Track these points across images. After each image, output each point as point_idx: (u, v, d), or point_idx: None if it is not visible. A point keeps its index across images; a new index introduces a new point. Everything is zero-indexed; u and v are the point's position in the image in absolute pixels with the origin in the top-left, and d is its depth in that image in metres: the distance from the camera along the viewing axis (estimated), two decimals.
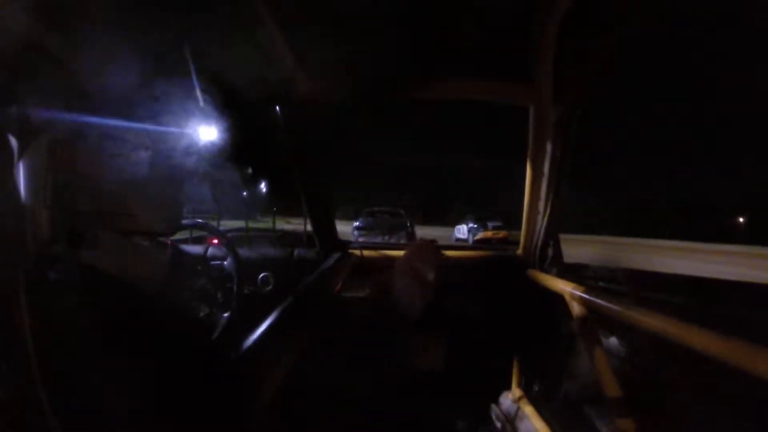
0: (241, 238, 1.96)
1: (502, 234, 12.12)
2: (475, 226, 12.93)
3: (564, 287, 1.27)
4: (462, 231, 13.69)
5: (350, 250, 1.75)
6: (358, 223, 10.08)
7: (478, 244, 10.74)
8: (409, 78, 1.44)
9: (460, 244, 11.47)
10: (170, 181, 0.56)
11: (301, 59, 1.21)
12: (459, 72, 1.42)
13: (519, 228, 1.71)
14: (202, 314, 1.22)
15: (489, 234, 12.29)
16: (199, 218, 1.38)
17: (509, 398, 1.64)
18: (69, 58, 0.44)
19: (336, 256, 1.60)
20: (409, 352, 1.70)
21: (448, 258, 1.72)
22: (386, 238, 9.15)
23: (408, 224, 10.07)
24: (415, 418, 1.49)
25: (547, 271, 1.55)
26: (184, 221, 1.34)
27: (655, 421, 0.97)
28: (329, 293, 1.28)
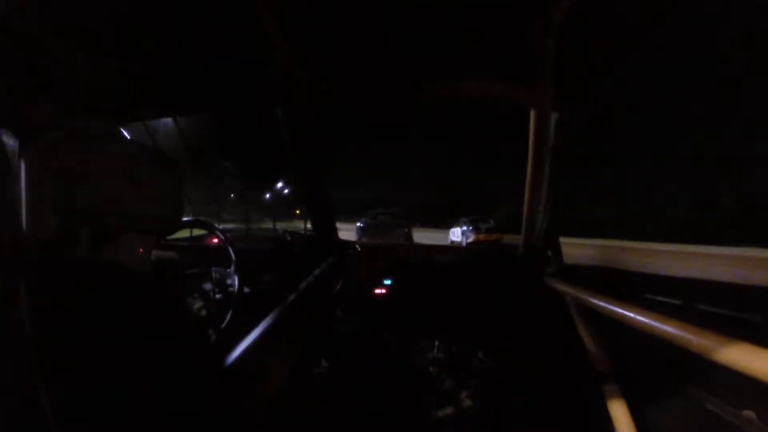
0: (241, 237, 1.96)
1: (494, 236, 11.95)
2: (468, 228, 12.86)
3: (564, 287, 1.27)
4: (456, 234, 13.68)
5: (350, 250, 1.75)
6: (360, 224, 10.81)
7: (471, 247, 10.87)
8: (409, 78, 1.44)
9: (459, 246, 11.55)
10: (170, 181, 0.56)
11: (301, 59, 1.21)
12: (459, 73, 1.42)
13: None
14: (202, 314, 1.22)
15: (481, 237, 12.14)
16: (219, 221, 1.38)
17: (509, 397, 1.64)
18: (69, 58, 0.44)
19: (336, 256, 1.60)
20: (409, 352, 1.70)
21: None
22: (386, 237, 9.93)
23: (406, 226, 10.84)
24: (414, 418, 1.49)
25: (546, 272, 1.55)
26: (184, 220, 1.34)
27: (654, 419, 0.97)
28: (329, 293, 1.28)
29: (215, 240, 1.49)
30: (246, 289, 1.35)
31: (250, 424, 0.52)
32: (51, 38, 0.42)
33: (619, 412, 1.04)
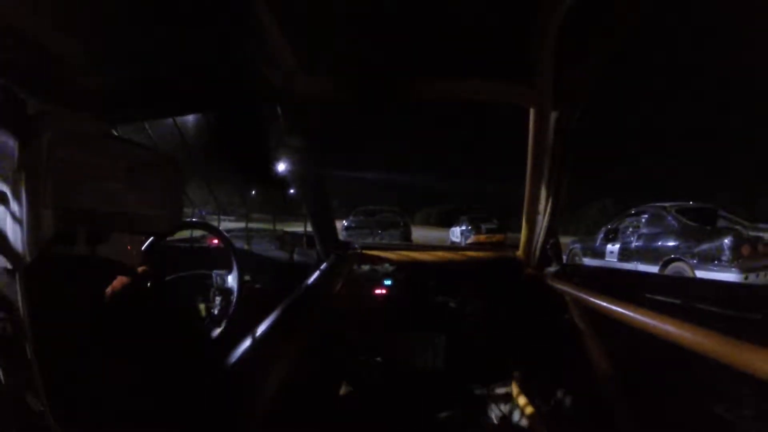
0: (241, 237, 1.96)
1: (497, 238, 10.95)
2: (468, 228, 12.01)
3: (564, 287, 1.27)
4: (456, 234, 12.86)
5: (350, 250, 1.75)
6: (347, 223, 9.26)
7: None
8: (409, 78, 1.44)
9: (460, 245, 11.27)
10: (170, 181, 0.56)
11: (301, 59, 1.21)
12: (459, 72, 1.42)
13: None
14: (203, 316, 1.22)
15: (482, 238, 11.21)
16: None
17: (509, 398, 1.64)
18: (69, 57, 0.44)
19: (336, 256, 1.61)
20: (409, 352, 1.70)
21: None
22: (377, 237, 8.64)
23: (402, 224, 9.55)
24: (415, 418, 1.49)
25: (547, 272, 1.55)
26: (184, 221, 1.34)
27: (653, 419, 0.97)
28: (329, 293, 1.28)
29: (215, 240, 1.49)
30: (246, 289, 1.35)
31: (250, 423, 0.52)
32: (51, 38, 0.42)
33: (619, 411, 1.04)
